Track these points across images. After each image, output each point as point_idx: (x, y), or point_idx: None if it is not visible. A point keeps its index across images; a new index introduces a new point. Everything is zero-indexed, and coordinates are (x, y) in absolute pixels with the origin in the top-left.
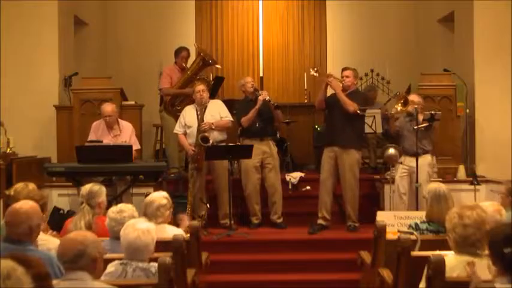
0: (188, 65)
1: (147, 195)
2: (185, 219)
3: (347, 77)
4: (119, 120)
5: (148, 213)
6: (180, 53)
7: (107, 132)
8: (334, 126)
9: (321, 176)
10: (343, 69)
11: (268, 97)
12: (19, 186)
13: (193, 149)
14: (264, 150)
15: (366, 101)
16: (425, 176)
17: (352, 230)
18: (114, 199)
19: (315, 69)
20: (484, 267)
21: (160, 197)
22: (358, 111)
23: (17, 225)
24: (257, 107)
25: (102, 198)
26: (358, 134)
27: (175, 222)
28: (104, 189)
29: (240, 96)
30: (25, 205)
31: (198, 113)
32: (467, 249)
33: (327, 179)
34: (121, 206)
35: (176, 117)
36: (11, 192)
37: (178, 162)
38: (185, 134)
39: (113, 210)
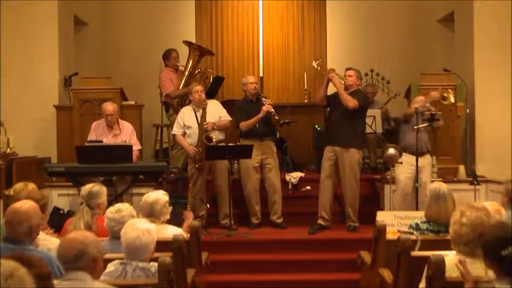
0: (181, 63)
1: None
2: (190, 217)
3: (349, 76)
4: (119, 120)
5: (156, 211)
6: (171, 54)
7: (107, 132)
8: (335, 125)
9: (321, 176)
10: (347, 69)
11: (272, 110)
12: (19, 186)
13: (195, 149)
14: (264, 150)
15: (366, 99)
16: (429, 175)
17: (352, 230)
18: (114, 199)
19: (317, 62)
20: (481, 268)
21: (161, 194)
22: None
23: (17, 224)
24: (260, 116)
25: (103, 199)
26: (359, 133)
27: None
28: (104, 189)
29: (241, 97)
30: (25, 205)
31: (197, 113)
32: (462, 248)
33: (327, 179)
34: (118, 205)
35: None
36: (11, 192)
37: (182, 163)
38: (183, 134)
39: (111, 210)
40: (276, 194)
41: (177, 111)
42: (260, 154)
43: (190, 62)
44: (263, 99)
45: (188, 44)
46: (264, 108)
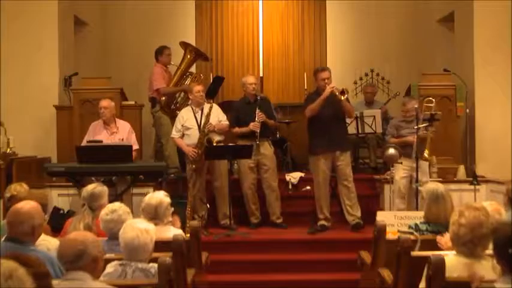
0: (173, 62)
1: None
2: (177, 221)
3: (327, 78)
4: (116, 119)
5: (160, 214)
6: (164, 51)
7: (104, 130)
8: (330, 131)
9: (319, 178)
10: (322, 71)
11: (261, 124)
12: (20, 186)
13: (195, 150)
14: (260, 151)
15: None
16: (428, 176)
17: (356, 226)
18: (114, 199)
19: (346, 96)
20: (480, 268)
21: (163, 195)
22: None
23: (19, 224)
24: (250, 129)
25: (104, 200)
26: (346, 133)
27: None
28: (105, 190)
29: (240, 97)
30: (27, 205)
31: (196, 114)
32: (462, 249)
33: (326, 180)
34: (111, 205)
35: (173, 117)
36: (12, 192)
37: (178, 162)
38: (181, 137)
39: (106, 212)
40: (273, 195)
41: (162, 109)
42: (256, 154)
43: (184, 62)
44: (257, 111)
45: (185, 45)
46: (251, 126)
